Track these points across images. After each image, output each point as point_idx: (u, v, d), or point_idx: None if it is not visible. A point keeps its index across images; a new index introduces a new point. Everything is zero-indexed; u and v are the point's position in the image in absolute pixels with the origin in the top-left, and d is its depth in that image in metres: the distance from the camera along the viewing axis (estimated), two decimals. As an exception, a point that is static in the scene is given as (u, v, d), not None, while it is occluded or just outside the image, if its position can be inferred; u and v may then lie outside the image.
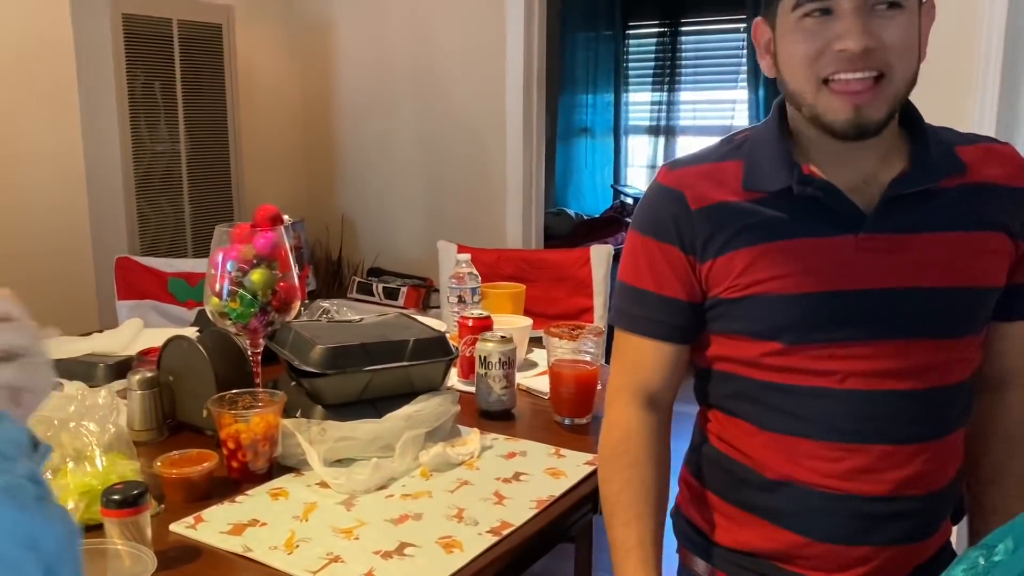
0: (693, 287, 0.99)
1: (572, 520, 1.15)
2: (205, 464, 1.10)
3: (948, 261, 0.92)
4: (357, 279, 2.89)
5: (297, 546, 0.96)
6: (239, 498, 1.09)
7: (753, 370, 0.96)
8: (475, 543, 0.97)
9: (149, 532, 0.93)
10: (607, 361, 1.99)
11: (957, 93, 2.22)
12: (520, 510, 1.06)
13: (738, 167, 0.98)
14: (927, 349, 0.92)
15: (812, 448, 0.93)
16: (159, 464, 1.09)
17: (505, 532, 1.00)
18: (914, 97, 0.96)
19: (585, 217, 4.75)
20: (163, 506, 1.06)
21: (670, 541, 1.07)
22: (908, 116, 0.97)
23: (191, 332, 1.40)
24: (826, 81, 0.89)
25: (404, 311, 1.96)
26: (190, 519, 1.02)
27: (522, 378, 1.56)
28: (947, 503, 0.98)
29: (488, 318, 1.55)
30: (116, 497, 0.90)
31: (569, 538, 2.20)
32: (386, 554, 0.95)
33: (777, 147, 0.96)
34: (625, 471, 1.00)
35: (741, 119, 4.85)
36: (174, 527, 1.01)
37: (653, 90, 5.34)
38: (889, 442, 0.92)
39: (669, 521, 1.08)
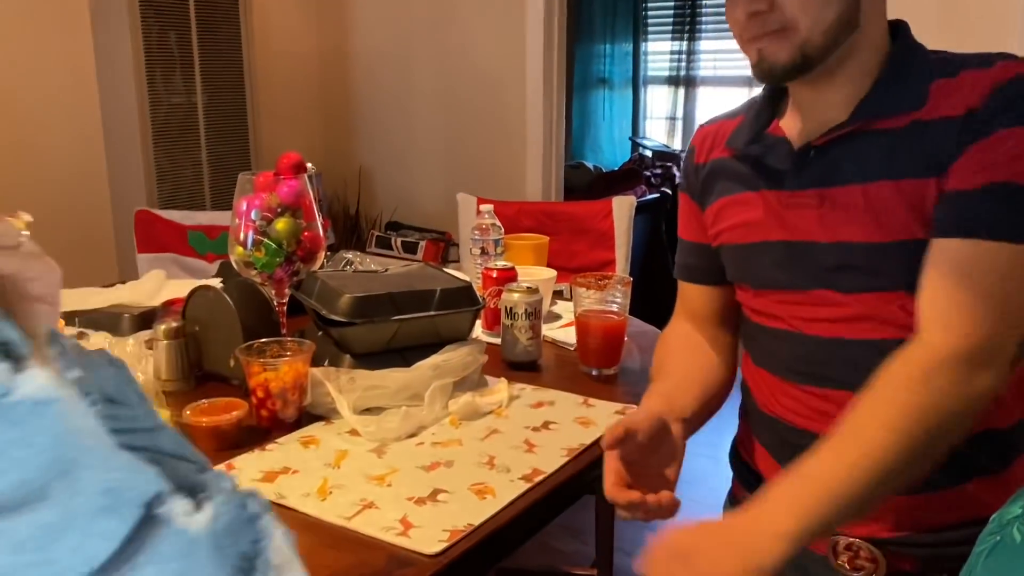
0: (704, 229, 1.09)
1: (602, 467, 1.14)
2: (235, 412, 1.10)
3: (874, 214, 0.87)
4: (376, 233, 2.87)
5: (330, 493, 0.96)
6: (269, 446, 1.09)
7: (746, 311, 1.06)
8: (508, 489, 0.97)
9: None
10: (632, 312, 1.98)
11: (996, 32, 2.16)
12: (551, 458, 1.05)
13: (736, 123, 1.05)
14: (873, 301, 0.90)
15: (781, 385, 0.99)
16: (188, 413, 1.09)
17: (537, 479, 1.00)
18: (953, 35, 0.92)
19: (604, 170, 4.69)
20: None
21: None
22: (896, 54, 0.91)
23: (215, 283, 1.40)
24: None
25: (415, 263, 1.95)
26: (221, 467, 1.02)
27: (547, 330, 1.55)
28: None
29: (513, 269, 1.54)
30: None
31: (591, 489, 2.23)
32: (419, 500, 0.95)
33: (764, 104, 1.03)
34: (664, 352, 1.11)
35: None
36: (206, 474, 1.01)
37: (673, 39, 5.23)
38: (840, 387, 0.92)
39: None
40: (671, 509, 0.91)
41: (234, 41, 2.67)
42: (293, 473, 1.01)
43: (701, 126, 1.13)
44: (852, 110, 0.90)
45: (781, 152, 0.96)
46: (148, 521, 0.38)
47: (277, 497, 0.95)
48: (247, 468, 1.02)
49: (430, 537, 0.87)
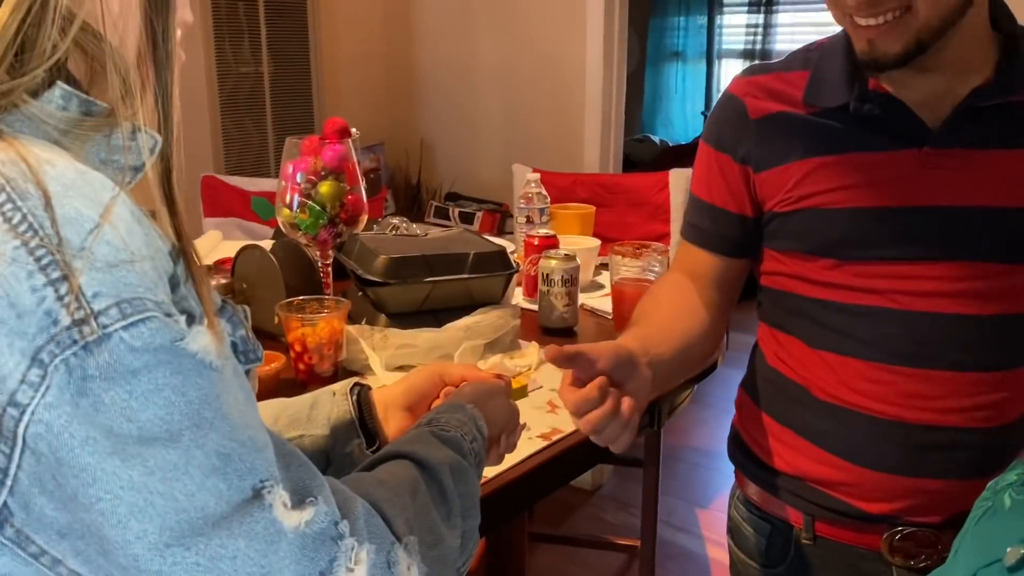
0: (744, 199, 0.98)
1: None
2: (272, 364, 1.15)
3: (1020, 180, 0.85)
4: (435, 203, 2.92)
5: (354, 443, 1.00)
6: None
7: (806, 286, 0.95)
8: (525, 446, 0.99)
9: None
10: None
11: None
12: (571, 419, 1.07)
13: (804, 78, 0.95)
14: (995, 273, 0.86)
15: (862, 368, 0.91)
16: (230, 363, 1.15)
17: (555, 438, 1.02)
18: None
19: (671, 144, 4.63)
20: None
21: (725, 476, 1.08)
22: (1000, 21, 0.89)
23: (267, 244, 1.45)
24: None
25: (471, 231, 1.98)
26: (257, 415, 1.08)
27: (587, 298, 1.56)
28: (1018, 438, 0.91)
29: (554, 237, 1.55)
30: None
31: (637, 462, 2.24)
32: (437, 453, 0.98)
33: (843, 59, 0.92)
34: (651, 303, 1.02)
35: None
36: (242, 421, 1.06)
37: (749, 12, 5.10)
38: (948, 368, 0.87)
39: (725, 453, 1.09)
40: (629, 418, 0.81)
41: (300, 12, 2.74)
42: (322, 423, 1.06)
43: (740, 77, 1.02)
44: (984, 81, 0.86)
45: (903, 112, 0.89)
46: (254, 498, 0.43)
47: (304, 444, 1.00)
48: (279, 417, 1.07)
49: (443, 487, 0.90)
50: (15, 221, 0.39)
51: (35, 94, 0.44)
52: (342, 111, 2.98)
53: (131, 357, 0.40)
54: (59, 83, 0.46)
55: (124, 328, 0.40)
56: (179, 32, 0.55)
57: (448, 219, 2.82)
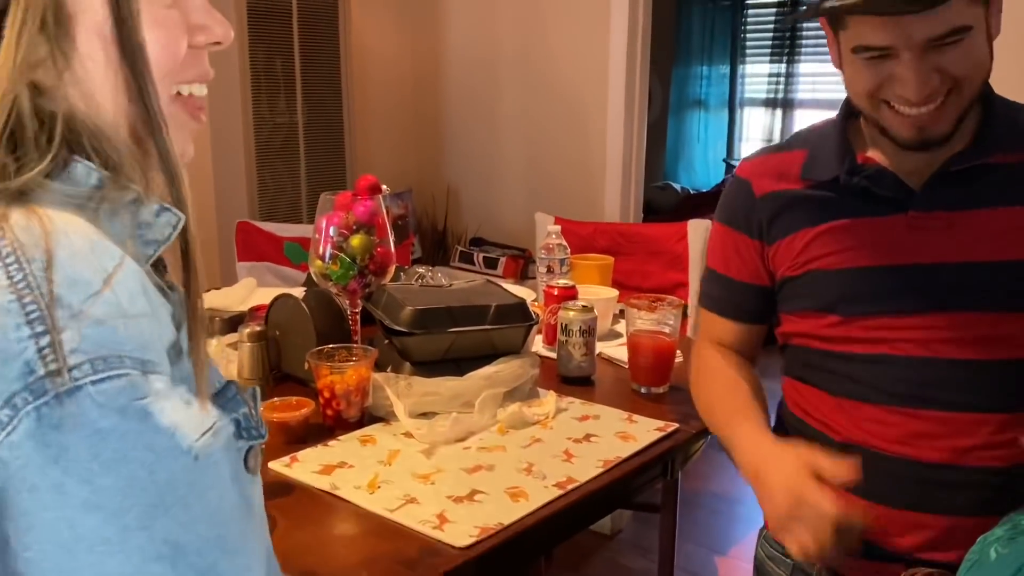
0: (760, 271, 1.09)
1: (638, 483, 1.20)
2: (303, 411, 1.21)
3: (1001, 236, 0.92)
4: (460, 248, 2.99)
5: (379, 487, 1.06)
6: (331, 443, 1.19)
7: (817, 341, 1.03)
8: (540, 494, 1.04)
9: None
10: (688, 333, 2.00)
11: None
12: (586, 468, 1.12)
13: (803, 156, 1.06)
14: (986, 321, 0.93)
15: (872, 412, 0.98)
16: (262, 409, 1.20)
17: (570, 487, 1.06)
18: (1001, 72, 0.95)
19: (692, 191, 4.69)
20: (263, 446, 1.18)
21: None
22: (991, 98, 0.97)
23: (299, 292, 1.52)
24: (888, 102, 0.93)
25: (497, 281, 2.04)
26: (286, 459, 1.14)
27: (605, 347, 1.61)
28: None
29: (573, 288, 1.61)
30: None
31: (655, 507, 2.26)
32: (457, 499, 1.03)
33: (837, 136, 1.03)
34: (712, 382, 1.12)
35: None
36: (272, 465, 1.12)
37: (771, 62, 5.18)
38: (946, 409, 0.94)
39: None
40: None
41: (333, 66, 2.85)
42: (349, 467, 1.11)
43: (745, 161, 1.14)
44: (965, 146, 0.94)
45: (889, 180, 0.97)
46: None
47: (331, 488, 1.05)
48: (308, 461, 1.13)
49: (462, 532, 0.95)
50: (16, 279, 0.42)
51: (51, 176, 0.47)
52: (372, 160, 3.09)
53: (97, 413, 0.41)
54: (77, 160, 0.49)
55: (93, 383, 0.41)
56: (198, 89, 0.57)
57: (473, 264, 2.89)
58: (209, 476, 0.44)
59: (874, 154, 1.01)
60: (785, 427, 1.12)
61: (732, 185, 1.12)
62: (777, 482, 0.91)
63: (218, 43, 0.57)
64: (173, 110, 0.56)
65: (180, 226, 0.54)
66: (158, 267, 0.56)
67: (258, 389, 0.63)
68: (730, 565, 2.61)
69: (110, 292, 0.43)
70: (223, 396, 0.55)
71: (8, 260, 0.42)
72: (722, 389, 1.10)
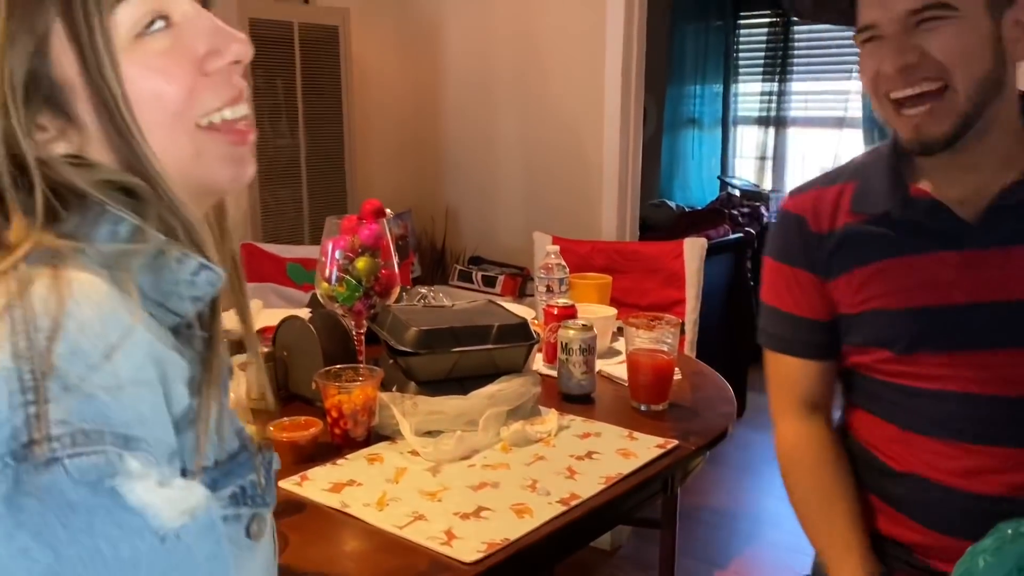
0: (821, 306, 1.07)
1: (638, 499, 1.23)
2: (311, 430, 1.24)
3: None
4: (459, 267, 3.03)
5: (387, 504, 1.08)
6: (340, 461, 1.22)
7: (877, 374, 1.04)
8: (545, 511, 1.07)
9: (262, 484, 1.08)
10: (695, 354, 2.04)
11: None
12: (589, 484, 1.15)
13: (851, 188, 1.04)
14: None
15: (931, 444, 0.99)
16: (271, 429, 1.24)
17: (573, 503, 1.09)
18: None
19: (687, 209, 4.74)
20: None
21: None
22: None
23: (304, 313, 1.56)
24: (897, 102, 0.93)
25: (496, 299, 2.08)
26: (296, 477, 1.16)
27: (604, 365, 1.64)
28: None
29: (572, 307, 1.64)
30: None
31: (654, 523, 2.29)
32: (464, 515, 1.06)
33: (886, 167, 1.01)
34: (807, 478, 1.09)
35: (855, 110, 4.71)
36: (283, 484, 1.15)
37: (764, 80, 5.25)
38: (1005, 445, 0.94)
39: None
40: None
41: (335, 89, 2.90)
42: (357, 485, 1.14)
43: (793, 195, 1.12)
44: (1018, 176, 0.92)
45: (943, 215, 0.95)
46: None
47: (341, 505, 1.08)
48: (318, 479, 1.16)
49: (469, 548, 0.98)
50: (20, 347, 0.44)
51: (84, 227, 0.50)
52: (372, 181, 3.13)
53: (69, 486, 0.42)
54: (105, 215, 0.51)
55: (70, 456, 0.42)
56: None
57: (471, 282, 2.92)
58: (175, 557, 0.45)
59: (925, 184, 0.99)
60: (848, 452, 1.12)
61: (784, 220, 1.11)
62: None
63: (237, 61, 0.57)
64: (205, 142, 0.57)
65: (220, 284, 0.56)
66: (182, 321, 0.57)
67: (275, 456, 0.64)
68: (730, 579, 2.63)
69: (109, 365, 0.45)
70: (233, 461, 0.56)
71: (19, 328, 0.45)
72: (818, 504, 1.08)
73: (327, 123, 2.90)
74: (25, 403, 0.43)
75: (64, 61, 0.51)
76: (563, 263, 1.81)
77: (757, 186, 5.12)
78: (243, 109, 0.59)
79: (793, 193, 1.12)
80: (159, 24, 0.54)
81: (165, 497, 0.45)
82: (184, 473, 0.50)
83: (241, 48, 0.58)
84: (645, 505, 1.25)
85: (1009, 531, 0.76)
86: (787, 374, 1.13)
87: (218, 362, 0.57)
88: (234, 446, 0.56)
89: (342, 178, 2.98)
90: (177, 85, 0.54)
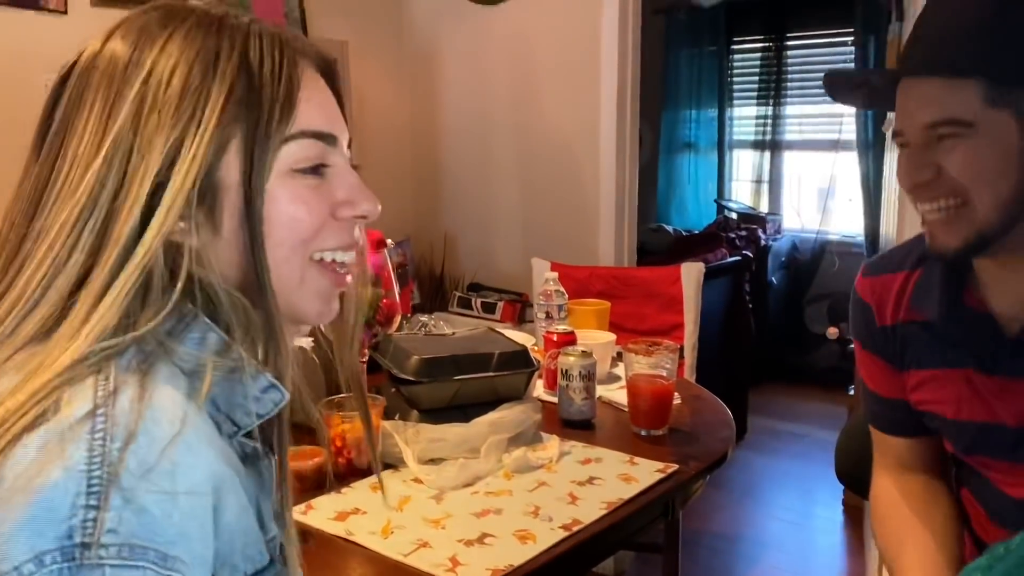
0: (899, 387, 1.06)
1: (640, 523, 1.24)
2: (315, 459, 1.25)
3: None
4: (458, 294, 3.05)
5: (392, 532, 1.10)
6: (344, 490, 1.23)
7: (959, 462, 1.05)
8: (548, 536, 1.08)
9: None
10: (695, 378, 2.04)
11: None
12: (591, 510, 1.16)
13: (914, 279, 1.01)
14: None
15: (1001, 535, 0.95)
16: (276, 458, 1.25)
17: (575, 528, 1.11)
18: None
19: (684, 233, 4.77)
20: (280, 494, 1.22)
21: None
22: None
23: (307, 342, 1.57)
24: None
25: (495, 325, 2.10)
26: (302, 506, 1.18)
27: (604, 390, 1.66)
28: None
29: (572, 333, 1.66)
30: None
31: (657, 548, 2.29)
32: (468, 542, 1.07)
33: (944, 267, 0.96)
34: (897, 533, 1.05)
35: (849, 133, 4.76)
36: (288, 512, 1.16)
37: (758, 104, 5.30)
38: None
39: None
40: None
41: (334, 120, 2.94)
42: (362, 514, 1.15)
43: (866, 274, 1.08)
44: None
45: (986, 333, 0.92)
46: None
47: (347, 534, 1.10)
48: (323, 508, 1.17)
49: (475, 574, 0.99)
50: (95, 453, 0.48)
51: (174, 333, 0.56)
52: (371, 209, 3.16)
53: None
54: (203, 320, 0.57)
55: (112, 566, 0.46)
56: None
57: (471, 308, 2.94)
58: None
59: (977, 287, 0.94)
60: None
61: (857, 304, 1.09)
62: None
63: (364, 216, 0.66)
64: (311, 274, 0.64)
65: (283, 404, 0.61)
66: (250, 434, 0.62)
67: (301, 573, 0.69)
68: (733, 604, 2.62)
69: (169, 482, 0.49)
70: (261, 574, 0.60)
71: (98, 435, 0.49)
72: (893, 544, 1.04)
73: (327, 153, 2.93)
74: (87, 506, 0.47)
75: (231, 167, 0.59)
76: (562, 289, 1.83)
77: (753, 209, 5.16)
78: (352, 257, 0.67)
79: (865, 272, 1.08)
80: (317, 168, 0.63)
81: None
82: None
83: (371, 207, 0.66)
84: (647, 530, 1.26)
85: (1002, 549, 0.77)
86: (890, 452, 1.12)
87: (269, 478, 0.63)
88: (263, 561, 0.59)
89: (342, 207, 3.02)
90: (313, 218, 0.62)
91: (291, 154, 0.61)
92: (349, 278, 0.68)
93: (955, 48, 0.84)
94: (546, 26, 2.95)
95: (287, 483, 0.64)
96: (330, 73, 0.67)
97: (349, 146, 0.68)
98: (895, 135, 0.90)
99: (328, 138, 0.64)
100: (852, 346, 1.15)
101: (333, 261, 0.65)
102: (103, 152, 0.56)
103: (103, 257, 0.55)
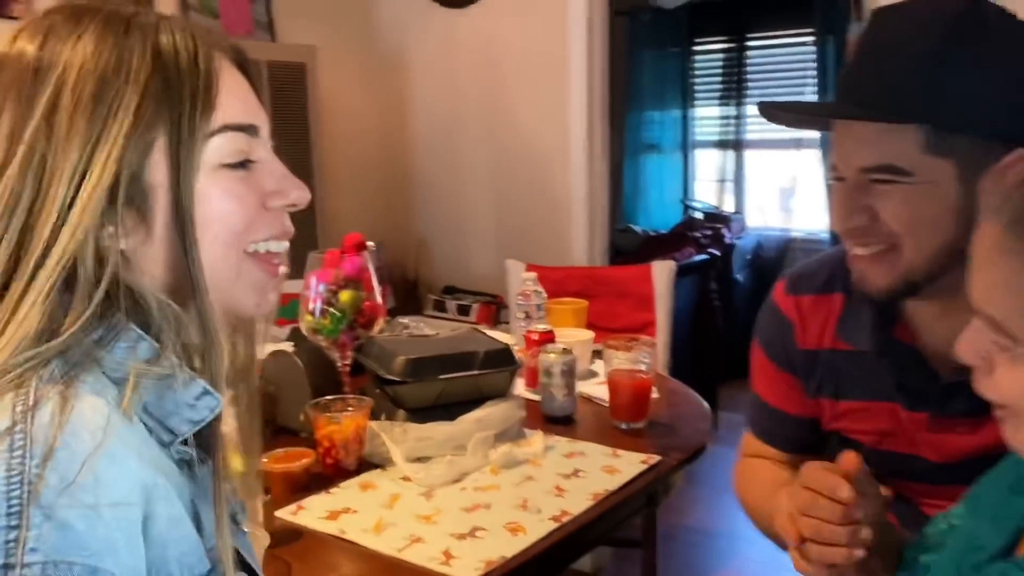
0: (801, 404, 1.05)
1: (626, 512, 1.27)
2: (304, 460, 1.26)
3: None
4: (432, 297, 3.07)
5: (384, 529, 1.11)
6: (333, 490, 1.25)
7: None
8: (538, 528, 1.11)
9: (261, 516, 1.10)
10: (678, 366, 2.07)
11: None
12: (578, 501, 1.19)
13: (841, 303, 0.98)
14: None
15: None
16: (265, 460, 1.26)
17: (565, 519, 1.13)
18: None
19: (652, 233, 4.83)
20: (268, 496, 1.23)
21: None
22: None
23: (287, 347, 1.58)
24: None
25: (475, 326, 2.12)
26: (292, 507, 1.19)
27: (584, 386, 1.69)
28: None
29: (551, 332, 1.69)
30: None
31: (635, 543, 2.32)
32: (460, 536, 1.09)
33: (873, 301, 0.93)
34: (754, 474, 1.07)
35: (812, 132, 4.86)
36: (279, 513, 1.17)
37: (721, 105, 5.39)
38: None
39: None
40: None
41: (303, 124, 2.93)
42: (353, 512, 1.17)
43: (787, 292, 1.04)
44: None
45: (917, 369, 0.90)
46: None
47: (339, 532, 1.11)
48: (313, 508, 1.18)
49: (468, 566, 1.01)
50: (13, 472, 0.48)
51: (103, 341, 0.55)
52: (343, 215, 3.16)
53: None
54: (132, 328, 0.56)
55: None
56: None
57: (446, 311, 2.96)
58: None
59: (908, 322, 0.92)
60: None
61: (773, 317, 1.05)
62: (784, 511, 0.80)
63: (294, 205, 0.66)
64: (247, 267, 0.64)
65: (218, 411, 0.61)
66: (186, 442, 0.62)
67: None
68: (710, 595, 2.67)
69: (91, 495, 0.49)
70: None
71: (16, 453, 0.49)
72: (763, 483, 1.04)
73: (296, 159, 2.93)
74: (7, 527, 0.47)
75: (158, 168, 0.58)
76: (540, 289, 1.85)
77: (718, 208, 5.24)
78: (285, 246, 0.67)
79: (789, 288, 1.04)
80: (244, 162, 0.63)
81: None
82: None
83: (300, 194, 0.66)
84: (625, 525, 1.28)
85: (944, 525, 0.79)
86: (763, 449, 1.12)
87: (209, 485, 0.62)
88: (202, 568, 0.58)
89: (312, 214, 3.01)
90: (245, 210, 0.62)
91: (217, 149, 0.61)
92: (282, 269, 0.67)
93: (896, 92, 0.80)
94: (514, 29, 2.98)
95: (221, 489, 0.62)
96: (244, 63, 0.66)
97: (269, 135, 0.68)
98: (831, 168, 0.88)
99: (251, 129, 0.63)
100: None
101: (268, 252, 0.65)
102: (17, 158, 0.55)
103: (22, 265, 0.54)
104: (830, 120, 0.90)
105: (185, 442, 0.61)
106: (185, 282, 0.59)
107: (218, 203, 0.61)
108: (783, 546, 0.85)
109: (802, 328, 1.01)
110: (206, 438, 0.64)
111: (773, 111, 0.95)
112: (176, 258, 0.59)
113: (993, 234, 0.62)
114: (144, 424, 0.57)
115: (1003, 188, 0.63)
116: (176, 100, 0.58)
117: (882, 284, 0.86)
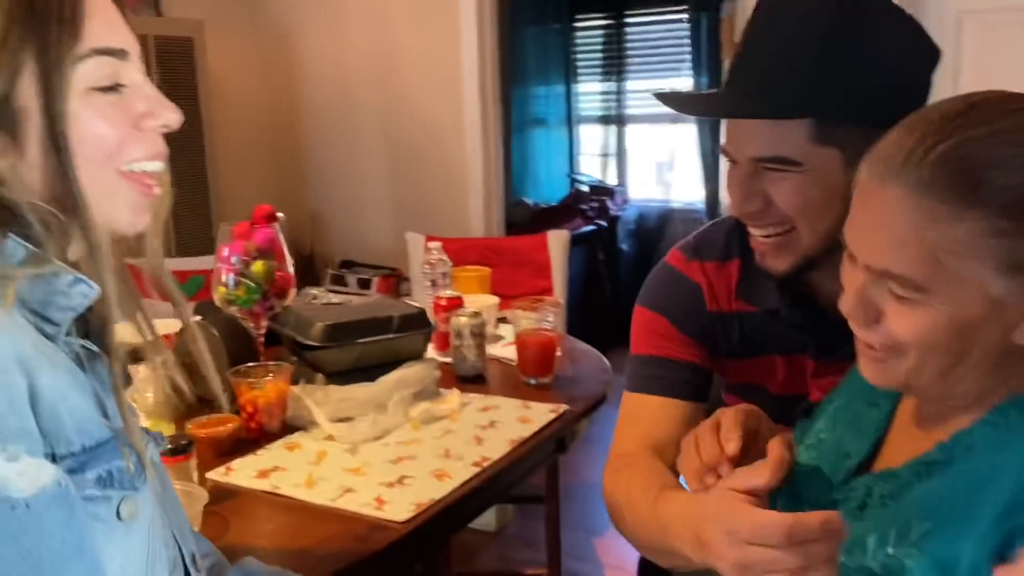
0: (695, 353, 1.05)
1: (540, 456, 1.38)
2: (229, 425, 1.30)
3: None
4: (331, 271, 3.08)
5: (316, 483, 1.17)
6: (259, 452, 1.29)
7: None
8: (462, 473, 1.19)
9: (196, 475, 1.14)
10: (571, 333, 2.19)
11: None
12: (497, 448, 1.28)
13: (736, 270, 1.02)
14: None
15: None
16: (190, 427, 1.28)
17: (486, 464, 1.22)
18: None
19: (542, 206, 4.97)
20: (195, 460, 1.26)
21: None
22: None
23: (198, 318, 1.59)
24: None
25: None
26: (222, 468, 1.22)
27: (492, 349, 1.77)
28: None
29: (459, 298, 1.77)
30: (169, 447, 1.10)
31: (539, 499, 2.45)
32: (389, 484, 1.16)
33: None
34: (624, 472, 1.02)
35: (686, 107, 5.09)
36: (210, 475, 1.20)
37: (603, 80, 5.56)
38: None
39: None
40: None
41: (192, 99, 2.87)
42: (283, 471, 1.22)
43: (688, 258, 1.06)
44: None
45: (822, 322, 0.93)
46: None
47: (272, 488, 1.16)
48: (244, 468, 1.23)
49: (401, 509, 1.09)
50: None
51: None
52: (236, 192, 3.12)
53: None
54: (10, 236, 0.59)
55: None
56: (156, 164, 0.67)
57: (346, 285, 2.98)
58: (25, 522, 0.52)
59: (811, 281, 0.95)
60: None
61: (679, 283, 1.05)
62: (714, 528, 0.71)
63: (166, 126, 0.68)
64: (121, 186, 0.66)
65: (94, 296, 0.64)
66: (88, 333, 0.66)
67: (156, 440, 0.73)
68: (608, 544, 2.83)
69: None
70: (100, 448, 0.62)
71: None
72: (641, 487, 0.95)
73: (186, 135, 2.87)
74: None
75: (28, 92, 0.60)
76: (445, 258, 1.93)
77: (603, 182, 5.43)
78: (159, 166, 0.69)
79: (691, 254, 1.06)
80: (114, 85, 0.64)
81: (14, 470, 0.52)
82: (53, 457, 0.57)
83: (172, 116, 0.68)
84: (546, 462, 1.39)
85: (814, 439, 0.89)
86: (645, 415, 1.05)
87: (116, 369, 0.67)
88: (103, 435, 0.62)
89: (205, 189, 2.96)
90: (116, 131, 0.64)
91: (86, 73, 0.61)
92: (157, 190, 0.69)
93: (781, 88, 0.84)
94: (404, 2, 3.01)
95: (120, 385, 0.66)
96: None
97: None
98: (724, 151, 0.91)
99: (120, 53, 0.64)
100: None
101: (143, 172, 0.67)
102: None
103: None
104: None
105: (68, 333, 0.64)
106: (66, 198, 0.62)
107: (90, 125, 0.62)
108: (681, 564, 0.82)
109: (710, 292, 1.04)
110: (97, 334, 0.67)
111: (669, 99, 0.99)
112: (53, 178, 0.61)
113: (895, 196, 0.66)
114: (27, 320, 0.60)
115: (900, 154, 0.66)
116: (42, 24, 0.59)
117: (783, 266, 0.92)
